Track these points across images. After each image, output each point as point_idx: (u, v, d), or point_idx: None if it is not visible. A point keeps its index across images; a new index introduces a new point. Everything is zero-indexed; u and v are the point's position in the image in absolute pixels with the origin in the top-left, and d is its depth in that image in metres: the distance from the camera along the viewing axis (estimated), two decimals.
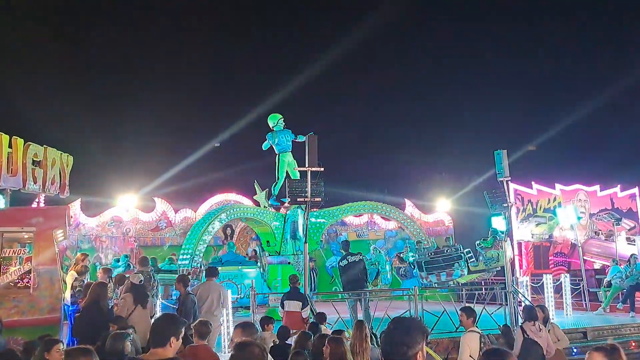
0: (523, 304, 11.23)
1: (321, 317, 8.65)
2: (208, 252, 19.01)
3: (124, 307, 8.20)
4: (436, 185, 24.19)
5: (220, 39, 36.81)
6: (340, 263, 11.81)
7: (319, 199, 11.47)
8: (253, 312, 10.67)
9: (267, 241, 17.58)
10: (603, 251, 17.70)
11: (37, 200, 12.16)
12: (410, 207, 21.54)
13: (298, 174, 15.20)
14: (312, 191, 11.33)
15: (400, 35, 38.67)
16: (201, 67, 34.03)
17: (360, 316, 10.67)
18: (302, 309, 9.35)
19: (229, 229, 20.10)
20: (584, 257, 17.15)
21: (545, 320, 8.48)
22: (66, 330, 9.19)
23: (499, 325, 10.67)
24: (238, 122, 23.83)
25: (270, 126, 16.80)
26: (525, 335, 7.76)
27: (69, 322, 10.20)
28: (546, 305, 10.45)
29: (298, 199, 11.48)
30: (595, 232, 18.59)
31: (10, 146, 9.95)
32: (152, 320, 7.92)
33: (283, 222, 16.71)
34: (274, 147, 16.53)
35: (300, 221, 15.97)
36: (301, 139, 16.16)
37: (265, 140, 16.60)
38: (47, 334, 6.63)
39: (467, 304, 11.54)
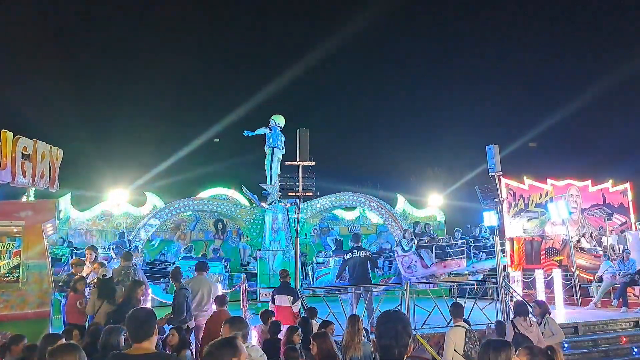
0: (514, 299, 11.28)
1: (312, 312, 8.63)
2: (199, 247, 18.98)
3: (90, 304, 8.18)
4: (428, 180, 24.25)
5: (211, 32, 36.61)
6: (346, 256, 11.91)
7: (311, 193, 11.44)
8: (244, 306, 10.62)
9: (247, 236, 18.27)
10: (592, 266, 17.36)
11: (26, 194, 12.03)
12: (402, 202, 21.55)
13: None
14: (304, 185, 11.29)
15: (393, 29, 38.65)
16: (193, 61, 33.89)
17: (356, 311, 10.71)
18: (292, 303, 9.33)
19: (220, 223, 20.04)
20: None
21: (543, 315, 8.51)
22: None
23: (490, 321, 10.74)
24: (230, 116, 23.77)
25: (275, 123, 18.81)
26: (516, 330, 7.80)
27: (62, 316, 10.16)
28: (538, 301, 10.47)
29: (289, 193, 11.43)
30: (581, 248, 18.12)
31: None
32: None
33: (263, 217, 17.11)
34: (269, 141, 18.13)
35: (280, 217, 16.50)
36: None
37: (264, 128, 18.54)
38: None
39: (458, 299, 11.60)
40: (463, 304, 9.15)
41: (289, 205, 17.71)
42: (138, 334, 3.56)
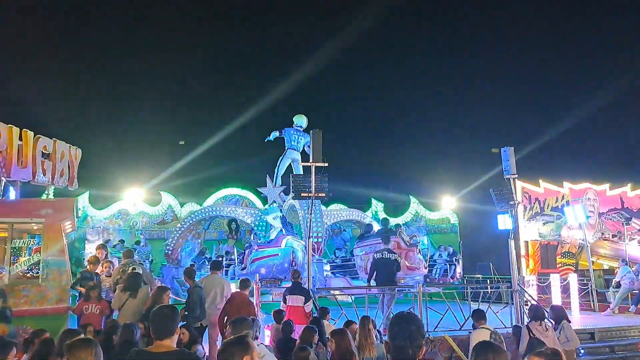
0: (529, 304, 11.20)
1: (323, 312, 8.68)
2: (212, 246, 19.16)
3: (116, 298, 8.29)
4: (441, 183, 24.14)
5: (227, 33, 36.86)
6: (376, 255, 11.97)
7: (323, 194, 11.48)
8: (257, 305, 10.68)
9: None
10: (613, 253, 17.44)
11: (46, 192, 12.28)
12: (415, 204, 21.52)
13: (300, 170, 15.73)
14: (316, 186, 11.34)
15: (407, 30, 38.56)
16: (208, 62, 34.13)
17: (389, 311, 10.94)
18: (304, 303, 9.38)
19: (233, 223, 20.18)
20: (592, 259, 17.05)
21: (558, 320, 8.45)
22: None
23: (504, 325, 10.68)
24: (244, 116, 23.89)
25: (295, 123, 18.88)
26: (532, 335, 7.77)
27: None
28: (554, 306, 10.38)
29: (302, 194, 11.49)
30: (605, 236, 18.25)
31: (20, 139, 10.04)
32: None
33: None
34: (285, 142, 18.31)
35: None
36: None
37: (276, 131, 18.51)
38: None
39: (471, 302, 11.56)
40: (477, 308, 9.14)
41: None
42: (161, 332, 3.61)
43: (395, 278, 11.91)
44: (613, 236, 18.14)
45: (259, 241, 18.44)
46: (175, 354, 3.58)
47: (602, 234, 18.11)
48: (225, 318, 7.96)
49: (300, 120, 18.88)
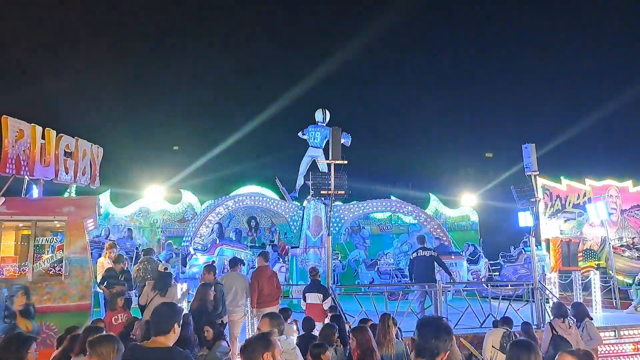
0: (551, 301, 11.07)
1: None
2: None
3: (144, 295, 8.44)
4: (461, 180, 23.95)
5: (249, 31, 36.99)
6: (412, 255, 12.17)
7: (342, 192, 11.47)
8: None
9: (285, 233, 17.91)
10: (628, 269, 16.96)
11: (68, 190, 12.46)
12: (434, 202, 21.38)
13: (325, 167, 15.45)
14: (336, 184, 11.32)
15: (428, 26, 38.30)
16: (228, 60, 34.30)
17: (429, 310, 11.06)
18: (323, 301, 9.39)
19: (253, 220, 20.25)
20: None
21: (580, 318, 8.35)
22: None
23: (521, 323, 10.57)
24: (264, 113, 23.96)
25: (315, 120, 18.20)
26: (554, 332, 7.69)
27: (100, 309, 10.49)
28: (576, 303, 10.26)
29: (322, 192, 11.49)
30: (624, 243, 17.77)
31: (43, 137, 10.20)
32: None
33: (302, 215, 16.91)
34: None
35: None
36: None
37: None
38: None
39: (492, 301, 11.49)
40: (497, 306, 9.06)
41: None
42: (156, 327, 3.65)
43: (433, 273, 11.89)
44: (631, 246, 17.57)
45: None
46: (163, 351, 3.58)
47: (621, 239, 17.65)
48: (258, 289, 9.13)
49: (318, 115, 18.34)
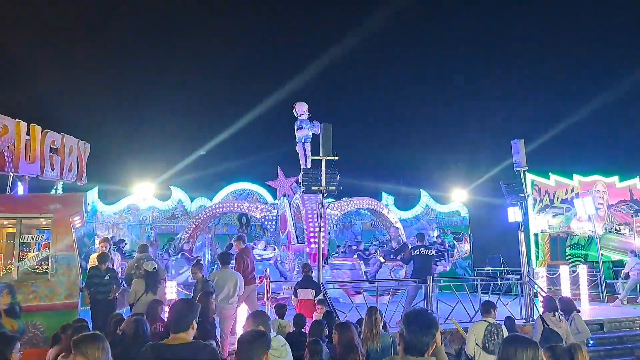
0: (540, 295, 11.15)
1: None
2: (223, 240, 19.18)
3: (133, 293, 8.40)
4: (452, 176, 24.03)
5: (237, 29, 36.80)
6: (413, 252, 12.26)
7: (334, 188, 11.41)
8: (267, 300, 10.70)
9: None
10: (621, 246, 17.33)
11: (55, 187, 12.32)
12: (425, 198, 21.43)
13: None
14: (327, 180, 11.27)
15: (416, 22, 38.31)
16: (218, 56, 34.08)
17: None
18: (315, 296, 9.37)
19: (244, 217, 20.21)
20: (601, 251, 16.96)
21: (567, 312, 8.40)
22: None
23: (514, 317, 10.61)
24: (254, 110, 23.85)
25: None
26: (545, 325, 7.74)
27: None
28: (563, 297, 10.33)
29: (312, 188, 11.44)
30: (616, 227, 18.13)
31: (28, 133, 10.05)
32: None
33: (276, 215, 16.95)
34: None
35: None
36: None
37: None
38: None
39: (481, 295, 11.53)
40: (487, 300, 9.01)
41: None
42: (176, 324, 3.66)
43: (432, 270, 12.05)
44: (620, 227, 17.93)
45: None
46: (190, 346, 3.60)
47: (612, 227, 17.96)
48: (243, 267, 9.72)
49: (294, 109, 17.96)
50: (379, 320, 6.25)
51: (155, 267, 8.57)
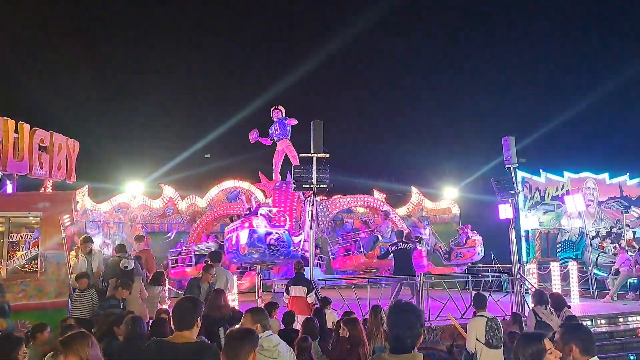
0: (530, 291, 11.20)
1: (325, 302, 8.66)
2: None
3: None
4: (443, 173, 24.09)
5: (228, 27, 36.67)
6: (391, 249, 12.42)
7: (325, 186, 11.40)
8: (259, 297, 10.69)
9: None
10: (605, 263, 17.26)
11: (44, 185, 12.21)
12: (416, 195, 21.46)
13: None
14: (318, 178, 11.26)
15: (406, 21, 38.37)
16: (208, 55, 33.96)
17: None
18: (307, 294, 9.36)
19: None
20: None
21: (558, 308, 8.43)
22: None
23: (504, 313, 10.67)
24: (245, 109, 23.79)
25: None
26: (538, 319, 7.78)
27: None
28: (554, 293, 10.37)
29: (304, 186, 11.42)
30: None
31: (16, 131, 9.96)
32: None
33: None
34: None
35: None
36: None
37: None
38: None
39: (473, 291, 11.55)
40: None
41: None
42: (180, 322, 3.64)
43: (412, 265, 12.24)
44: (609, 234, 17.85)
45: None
46: (194, 344, 3.59)
47: (597, 231, 17.93)
48: None
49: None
50: (383, 319, 6.31)
51: (126, 266, 8.66)
